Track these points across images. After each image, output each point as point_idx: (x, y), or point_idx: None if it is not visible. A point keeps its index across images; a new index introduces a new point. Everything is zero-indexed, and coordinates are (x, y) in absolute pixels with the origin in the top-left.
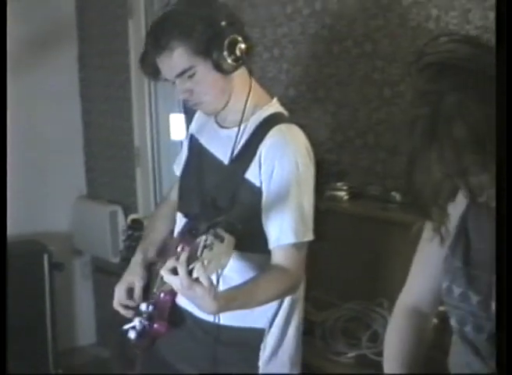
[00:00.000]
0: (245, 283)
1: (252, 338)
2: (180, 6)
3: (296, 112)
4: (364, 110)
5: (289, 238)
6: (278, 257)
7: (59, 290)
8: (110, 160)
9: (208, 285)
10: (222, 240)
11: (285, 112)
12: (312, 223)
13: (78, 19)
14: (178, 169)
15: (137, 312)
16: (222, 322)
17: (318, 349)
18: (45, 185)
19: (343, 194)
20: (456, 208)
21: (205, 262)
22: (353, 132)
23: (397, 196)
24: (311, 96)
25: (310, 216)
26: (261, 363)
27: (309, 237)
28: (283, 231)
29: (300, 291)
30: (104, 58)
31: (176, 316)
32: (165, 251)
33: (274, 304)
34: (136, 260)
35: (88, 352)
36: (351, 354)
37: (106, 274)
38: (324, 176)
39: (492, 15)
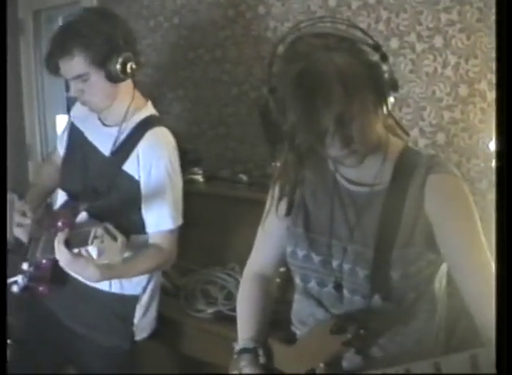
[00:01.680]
0: (125, 258)
1: (129, 301)
2: (86, 18)
3: (159, 109)
4: (216, 106)
5: (168, 225)
6: (155, 239)
7: None
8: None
9: (86, 255)
10: (114, 238)
11: (157, 114)
12: (182, 210)
13: None
14: (61, 148)
15: (20, 270)
16: (104, 288)
17: (182, 308)
18: None
19: (199, 177)
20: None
21: (95, 250)
22: (207, 125)
23: (244, 177)
24: (172, 95)
25: (180, 204)
26: (136, 320)
27: (180, 221)
28: (161, 219)
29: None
30: None
31: (59, 278)
32: (44, 217)
33: (147, 275)
34: (32, 199)
35: None
36: (210, 310)
37: None
38: (182, 163)
39: (447, 114)
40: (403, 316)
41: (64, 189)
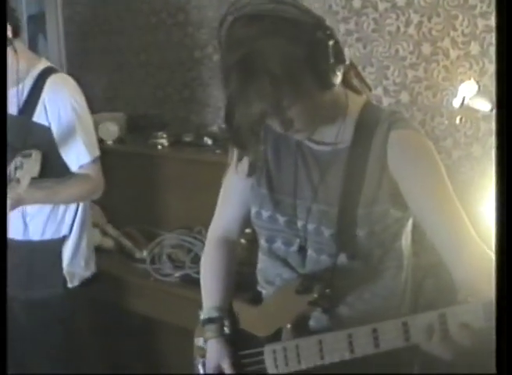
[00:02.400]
0: (55, 181)
1: (55, 246)
2: None
3: (121, 75)
4: (180, 70)
5: (85, 158)
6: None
7: None
8: None
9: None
10: (29, 155)
11: (53, 66)
12: (97, 142)
13: None
14: None
15: None
16: (29, 238)
17: (149, 272)
18: None
19: (163, 141)
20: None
21: (20, 180)
22: (171, 89)
23: (209, 141)
24: (136, 61)
25: (94, 136)
26: (64, 265)
27: (96, 153)
28: (80, 154)
29: (87, 209)
30: None
31: None
32: None
33: (71, 214)
34: None
35: None
36: (177, 274)
37: None
38: (147, 126)
39: (410, 73)
40: (371, 273)
41: None
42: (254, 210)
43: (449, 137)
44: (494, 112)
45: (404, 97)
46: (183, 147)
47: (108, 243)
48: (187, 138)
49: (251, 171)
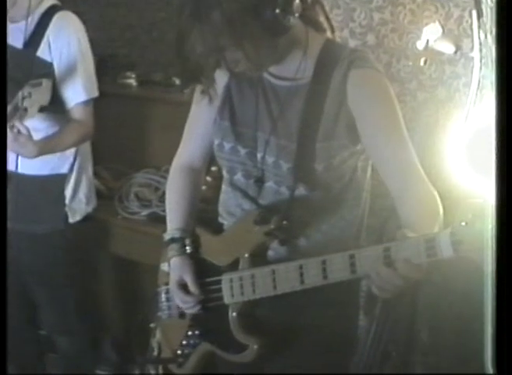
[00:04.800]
0: (53, 134)
1: (58, 181)
2: None
3: (91, 16)
4: (148, 11)
5: (82, 97)
6: (74, 113)
7: None
8: None
9: (26, 133)
10: (40, 84)
11: (59, 3)
12: (96, 83)
13: None
14: None
15: None
16: (29, 172)
17: (116, 210)
18: None
19: (132, 81)
20: (222, 77)
21: (28, 109)
22: (140, 30)
23: (177, 81)
24: (105, 1)
25: (94, 78)
26: (67, 201)
27: (95, 93)
28: (76, 92)
29: (87, 147)
30: None
31: None
32: None
33: (72, 152)
34: None
35: None
36: (144, 212)
37: None
38: (116, 67)
39: (376, 15)
40: (328, 205)
41: None
42: (216, 142)
43: (414, 80)
44: (458, 54)
45: (370, 39)
46: (151, 86)
47: None
48: (156, 78)
49: (209, 99)
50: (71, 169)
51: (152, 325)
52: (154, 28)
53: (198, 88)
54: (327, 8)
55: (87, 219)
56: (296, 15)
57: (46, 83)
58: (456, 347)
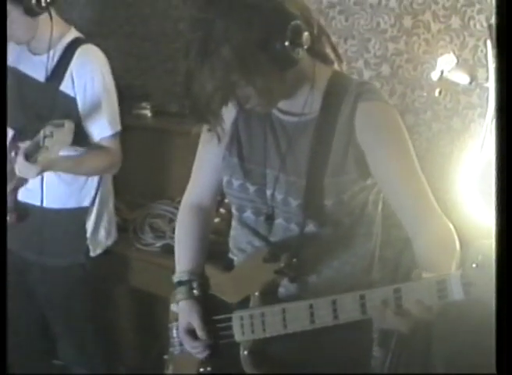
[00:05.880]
0: (75, 155)
1: (79, 215)
2: None
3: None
4: (164, 42)
5: (108, 131)
6: (101, 144)
7: None
8: None
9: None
10: (62, 125)
11: (82, 36)
12: (119, 117)
13: None
14: None
15: None
16: (53, 206)
17: (130, 241)
18: None
19: (147, 112)
20: (230, 113)
21: (49, 148)
22: (155, 60)
23: None
24: (121, 31)
25: (117, 112)
26: (88, 234)
27: (119, 127)
28: (102, 127)
29: (109, 181)
30: None
31: (21, 208)
32: None
33: (94, 185)
34: None
35: None
36: (158, 244)
37: None
38: (131, 98)
39: (391, 46)
40: (339, 241)
41: (11, 127)
42: (225, 179)
43: (429, 110)
44: (473, 84)
45: (385, 69)
46: (166, 117)
47: None
48: (171, 109)
49: (218, 139)
50: (92, 203)
51: (166, 357)
52: (169, 58)
53: (205, 127)
54: (342, 39)
55: (107, 252)
56: (305, 47)
57: (68, 125)
58: None
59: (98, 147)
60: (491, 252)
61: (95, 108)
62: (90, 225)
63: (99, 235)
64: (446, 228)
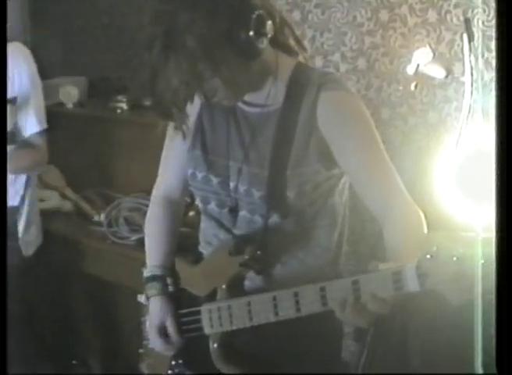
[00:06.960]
0: None
1: (10, 214)
2: None
3: (83, 39)
4: (141, 34)
5: (35, 128)
6: (29, 141)
7: None
8: None
9: None
10: None
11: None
12: (45, 115)
13: None
14: None
15: None
16: None
17: (105, 235)
18: None
19: (123, 105)
20: (194, 108)
21: None
22: (132, 53)
23: None
24: (98, 24)
25: (43, 109)
26: (20, 235)
27: (45, 125)
28: (29, 124)
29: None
30: None
31: None
32: None
33: (23, 184)
34: None
35: None
36: (133, 237)
37: None
38: (107, 91)
39: (367, 39)
40: (303, 232)
41: None
42: (189, 171)
43: (405, 104)
44: (449, 78)
45: (361, 63)
46: (142, 111)
47: (67, 206)
48: (147, 102)
49: (183, 135)
50: (22, 201)
51: (141, 351)
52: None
53: (171, 124)
54: (318, 32)
55: (39, 251)
56: (269, 36)
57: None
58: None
59: (25, 144)
60: (445, 243)
61: (23, 105)
62: (21, 226)
63: (31, 235)
64: (415, 214)
